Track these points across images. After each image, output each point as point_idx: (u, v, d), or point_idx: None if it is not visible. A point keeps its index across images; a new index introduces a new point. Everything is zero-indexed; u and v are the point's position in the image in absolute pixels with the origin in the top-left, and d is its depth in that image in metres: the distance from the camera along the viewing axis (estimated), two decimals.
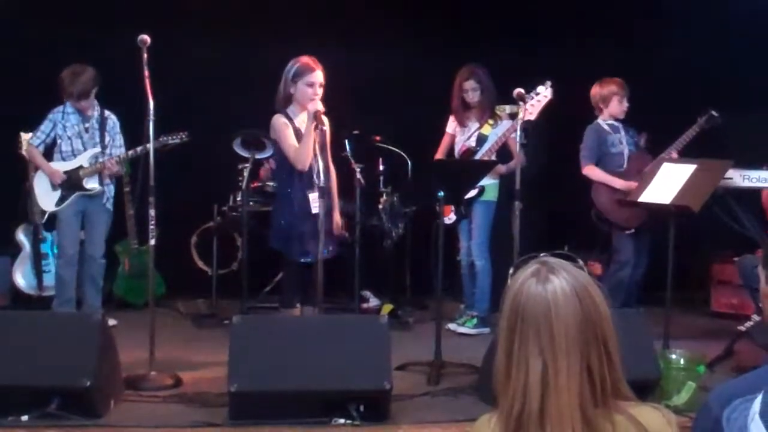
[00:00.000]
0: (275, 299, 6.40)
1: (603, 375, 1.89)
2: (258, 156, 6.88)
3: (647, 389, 4.44)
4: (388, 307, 7.19)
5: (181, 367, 5.38)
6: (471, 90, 6.78)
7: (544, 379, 1.88)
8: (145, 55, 5.13)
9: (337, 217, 5.71)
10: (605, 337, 1.92)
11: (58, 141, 6.54)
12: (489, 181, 6.60)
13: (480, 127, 6.77)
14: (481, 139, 6.73)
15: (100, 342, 4.48)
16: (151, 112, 5.16)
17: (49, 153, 6.58)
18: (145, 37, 5.11)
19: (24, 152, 6.55)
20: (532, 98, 5.99)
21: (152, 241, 5.28)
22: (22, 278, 7.18)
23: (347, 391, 4.35)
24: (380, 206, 7.32)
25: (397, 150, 7.36)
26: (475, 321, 6.77)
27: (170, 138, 6.42)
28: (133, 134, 6.37)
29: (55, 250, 6.99)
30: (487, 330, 6.60)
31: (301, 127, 5.50)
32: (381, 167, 7.49)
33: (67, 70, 6.40)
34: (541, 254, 2.51)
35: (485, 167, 6.18)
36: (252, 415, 4.31)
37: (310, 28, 7.58)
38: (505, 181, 6.69)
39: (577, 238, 7.49)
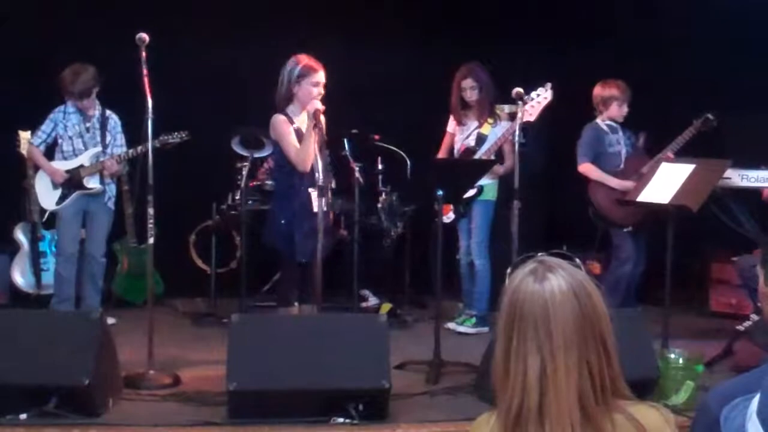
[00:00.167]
0: (274, 298, 6.39)
1: (601, 373, 1.90)
2: (257, 155, 6.90)
3: (646, 389, 4.45)
4: (386, 306, 7.19)
5: (179, 365, 5.38)
6: (469, 89, 6.77)
7: (543, 378, 1.88)
8: (144, 54, 5.12)
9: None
10: (603, 335, 1.92)
11: (59, 141, 6.56)
12: (487, 181, 6.60)
13: (479, 127, 6.77)
14: (481, 139, 6.73)
15: (98, 341, 4.48)
16: (150, 110, 5.16)
17: (50, 152, 6.60)
18: (144, 36, 5.11)
19: (23, 151, 6.54)
20: (532, 99, 5.99)
21: (151, 240, 5.28)
22: (20, 277, 7.17)
23: (346, 390, 4.35)
24: (379, 205, 7.31)
25: (396, 149, 7.36)
26: (474, 320, 6.77)
27: (170, 137, 6.42)
28: (132, 133, 6.38)
29: (54, 249, 6.99)
30: (486, 329, 6.60)
31: (302, 127, 5.49)
32: (380, 166, 7.48)
33: (68, 70, 6.41)
34: (539, 253, 2.51)
35: (484, 166, 6.19)
36: (251, 413, 4.31)
37: (310, 27, 7.57)
38: (504, 180, 6.69)
39: (576, 238, 7.49)
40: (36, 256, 7.08)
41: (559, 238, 7.50)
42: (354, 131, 7.28)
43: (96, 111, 6.60)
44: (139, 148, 6.19)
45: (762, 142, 6.75)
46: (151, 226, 5.22)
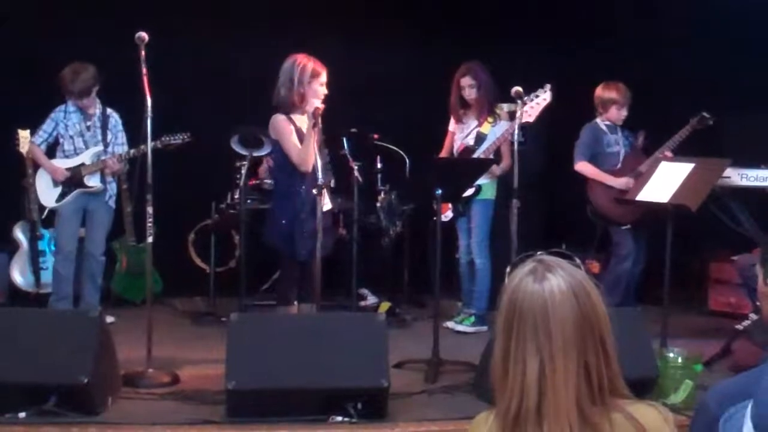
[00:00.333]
0: (273, 297, 6.39)
1: (600, 373, 1.90)
2: (256, 153, 6.89)
3: (645, 388, 4.45)
4: (385, 305, 7.19)
5: (178, 364, 5.38)
6: (468, 87, 6.78)
7: (542, 377, 1.88)
8: (143, 53, 5.12)
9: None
10: (602, 334, 1.92)
11: (60, 140, 6.57)
12: (486, 180, 6.60)
13: (479, 126, 6.77)
14: (480, 138, 6.73)
15: (97, 339, 4.47)
16: (149, 109, 5.16)
17: (51, 152, 6.62)
18: (143, 35, 5.10)
19: (22, 150, 6.55)
20: (532, 101, 5.99)
21: (150, 239, 5.27)
22: (19, 276, 7.17)
23: (345, 388, 4.34)
24: (378, 204, 7.31)
25: (395, 148, 7.36)
26: (472, 319, 6.77)
27: (172, 138, 6.43)
28: (132, 132, 6.38)
29: (53, 248, 6.99)
30: (484, 328, 6.61)
31: (303, 127, 5.49)
32: (379, 165, 7.48)
33: (67, 69, 6.42)
34: (539, 253, 2.51)
35: (482, 166, 6.19)
36: (249, 412, 4.31)
37: (310, 27, 7.57)
38: (503, 179, 6.69)
39: (575, 237, 7.51)
40: (35, 255, 7.08)
41: (558, 237, 7.52)
42: (353, 130, 7.28)
43: (96, 110, 6.61)
44: (141, 147, 6.19)
45: (761, 142, 6.76)
46: (150, 224, 5.22)
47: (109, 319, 5.98)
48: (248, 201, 7.07)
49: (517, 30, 7.99)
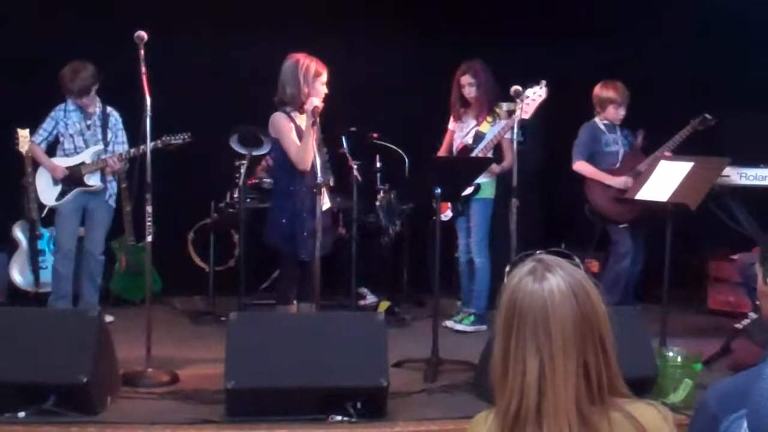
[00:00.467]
0: (272, 296, 6.39)
1: (599, 372, 1.90)
2: (255, 153, 6.89)
3: (644, 387, 4.45)
4: (385, 304, 7.19)
5: (177, 363, 5.38)
6: (467, 85, 6.78)
7: (541, 377, 1.88)
8: (142, 52, 5.11)
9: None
10: (602, 334, 1.92)
11: (61, 139, 6.58)
12: (485, 179, 6.60)
13: (478, 125, 6.76)
14: (479, 137, 6.73)
15: (97, 339, 4.47)
16: (149, 108, 5.16)
17: (51, 151, 6.62)
18: (142, 34, 5.10)
19: (21, 149, 6.54)
20: (527, 97, 5.99)
21: (149, 238, 5.27)
22: (18, 275, 7.16)
23: (344, 388, 4.34)
24: (377, 203, 7.31)
25: (394, 147, 7.36)
26: (472, 318, 6.77)
27: (173, 138, 6.42)
28: (132, 131, 6.38)
29: (52, 247, 6.99)
30: (484, 327, 6.60)
31: (302, 125, 5.50)
32: (378, 164, 7.48)
33: (67, 67, 6.43)
34: (538, 252, 2.51)
35: (481, 164, 6.19)
36: (249, 412, 4.31)
37: (310, 27, 7.57)
38: (502, 178, 6.69)
39: (574, 236, 7.51)
40: (34, 255, 7.07)
41: (558, 236, 7.52)
42: (352, 129, 7.29)
43: (96, 108, 6.62)
44: (141, 147, 6.18)
45: (760, 141, 6.76)
46: (149, 223, 5.22)
47: (109, 318, 5.97)
48: (247, 200, 7.07)
49: (517, 30, 7.98)
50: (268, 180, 7.08)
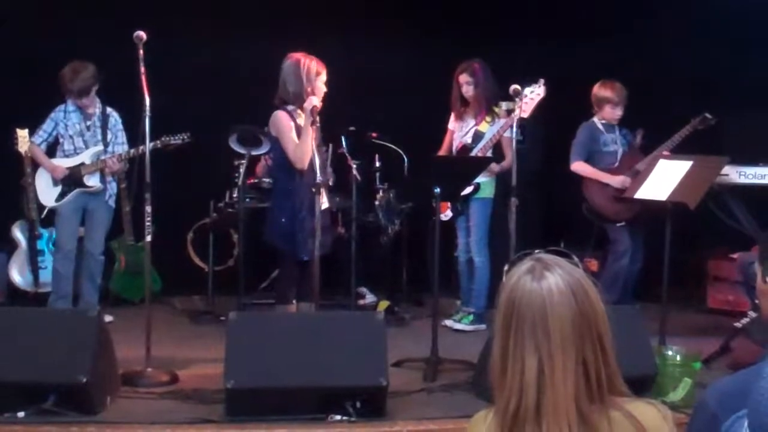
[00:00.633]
0: (272, 296, 6.39)
1: (598, 370, 1.90)
2: (254, 152, 6.88)
3: (644, 386, 4.44)
4: (384, 304, 7.19)
5: (177, 363, 5.37)
6: (465, 84, 6.77)
7: (540, 376, 1.88)
8: (141, 52, 5.11)
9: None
10: (600, 332, 1.92)
11: (60, 139, 6.59)
12: (484, 179, 6.60)
13: (477, 124, 6.76)
14: (478, 136, 6.72)
15: (96, 338, 4.47)
16: (148, 108, 5.16)
17: (51, 152, 6.62)
18: (141, 34, 5.10)
19: (21, 149, 6.54)
20: (525, 96, 5.99)
21: (148, 238, 5.27)
22: (18, 275, 7.17)
23: (344, 387, 4.34)
24: (377, 202, 7.31)
25: (393, 146, 7.36)
26: (471, 317, 6.77)
27: (172, 138, 6.42)
28: (131, 131, 6.38)
29: (51, 247, 6.99)
30: (483, 326, 6.60)
31: (302, 124, 5.51)
32: (377, 163, 7.49)
33: (67, 67, 6.43)
34: (537, 251, 2.51)
35: (481, 164, 6.19)
36: (248, 411, 4.30)
37: (310, 27, 7.57)
38: (502, 178, 6.69)
39: (573, 235, 7.51)
40: (34, 255, 7.08)
41: (557, 235, 7.52)
42: (351, 128, 7.29)
43: (96, 109, 6.62)
44: (141, 147, 6.18)
45: (760, 140, 6.75)
46: (148, 223, 5.22)
47: (108, 318, 5.97)
48: (247, 200, 7.07)
49: (517, 30, 7.98)
50: (268, 179, 7.08)
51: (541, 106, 6.14)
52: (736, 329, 5.62)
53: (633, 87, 6.90)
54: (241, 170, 6.79)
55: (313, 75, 5.53)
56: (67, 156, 6.57)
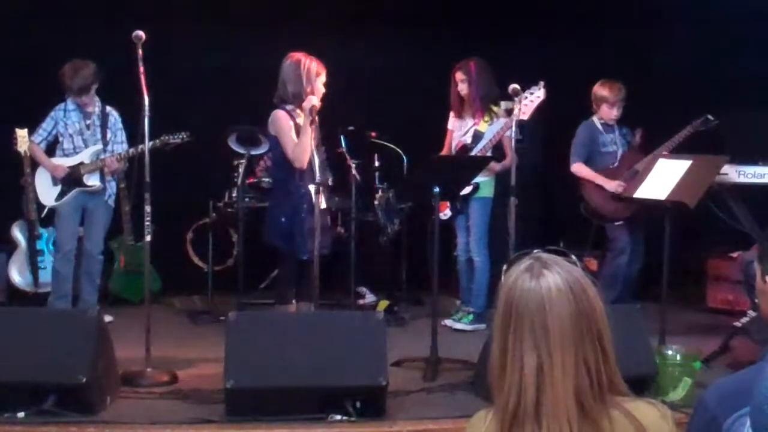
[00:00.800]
0: (271, 295, 6.39)
1: (598, 369, 1.90)
2: (253, 152, 6.89)
3: (643, 385, 4.45)
4: (384, 303, 7.19)
5: (177, 363, 5.37)
6: (461, 82, 6.78)
7: (539, 374, 1.88)
8: (140, 52, 5.11)
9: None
10: (599, 331, 1.92)
11: (60, 138, 6.59)
12: (484, 178, 6.60)
13: (476, 124, 6.76)
14: (477, 136, 6.72)
15: (96, 338, 4.46)
16: (147, 108, 5.16)
17: (51, 151, 6.62)
18: (140, 33, 5.10)
19: (20, 149, 6.54)
20: (526, 98, 5.99)
21: (148, 237, 5.27)
22: (17, 275, 7.16)
23: (343, 387, 4.34)
24: (376, 202, 7.31)
25: (392, 146, 7.36)
26: (471, 317, 6.77)
27: (171, 137, 6.42)
28: (131, 130, 6.38)
29: (51, 247, 6.99)
30: (483, 326, 6.59)
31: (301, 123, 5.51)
32: (377, 163, 7.49)
33: (68, 65, 6.43)
34: (536, 250, 2.51)
35: (480, 163, 6.19)
36: (248, 411, 4.30)
37: (309, 26, 7.56)
38: (501, 177, 6.69)
39: (573, 234, 7.51)
40: (33, 255, 7.07)
41: (556, 234, 7.51)
42: (351, 128, 7.29)
43: (96, 108, 6.62)
44: (140, 147, 6.17)
45: (759, 139, 6.75)
46: (148, 223, 5.21)
47: (108, 318, 5.97)
48: (246, 199, 7.06)
49: (517, 29, 7.98)
50: (267, 179, 7.08)
51: (540, 106, 6.14)
52: (736, 328, 5.62)
53: (633, 87, 6.90)
54: (241, 170, 6.79)
55: (313, 75, 5.54)
56: (66, 155, 6.57)
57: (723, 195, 6.23)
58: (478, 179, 6.47)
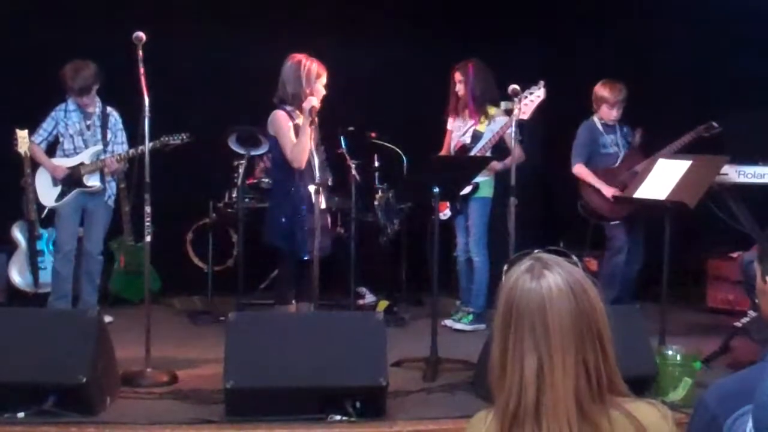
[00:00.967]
0: (271, 296, 6.39)
1: (598, 369, 1.90)
2: (253, 152, 6.89)
3: (644, 385, 4.45)
4: (383, 304, 7.19)
5: (177, 363, 5.37)
6: (458, 82, 6.79)
7: (540, 375, 1.88)
8: (140, 52, 5.11)
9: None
10: (600, 331, 1.92)
11: (60, 139, 6.59)
12: (483, 178, 6.60)
13: (475, 124, 6.76)
14: (477, 136, 6.72)
15: (96, 339, 4.46)
16: (147, 108, 5.16)
17: (51, 151, 6.62)
18: (140, 35, 5.09)
19: (20, 149, 6.54)
20: (526, 98, 5.99)
21: (148, 238, 5.27)
22: (17, 275, 7.16)
23: (343, 387, 4.34)
24: (376, 202, 7.31)
25: (392, 146, 7.36)
26: (471, 317, 6.77)
27: (171, 138, 6.42)
28: (131, 131, 6.38)
29: (51, 248, 6.99)
30: (483, 326, 6.60)
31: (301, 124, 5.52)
32: (376, 163, 7.49)
33: (69, 66, 6.43)
34: (536, 250, 2.51)
35: (480, 163, 6.19)
36: (248, 411, 4.30)
37: (309, 26, 7.57)
38: (501, 177, 6.69)
39: (573, 234, 7.50)
40: (33, 255, 7.07)
41: (556, 234, 7.51)
42: (350, 128, 7.29)
43: (96, 108, 6.62)
44: (140, 147, 6.17)
45: (759, 139, 6.75)
46: (148, 223, 5.21)
47: (108, 318, 5.97)
48: (246, 200, 7.06)
49: (517, 29, 7.98)
50: (267, 180, 7.08)
51: (540, 106, 6.14)
52: (736, 329, 5.62)
53: (633, 87, 6.89)
54: (241, 170, 6.79)
55: (313, 77, 5.54)
56: (66, 155, 6.57)
57: (723, 195, 6.23)
58: (478, 179, 6.47)
